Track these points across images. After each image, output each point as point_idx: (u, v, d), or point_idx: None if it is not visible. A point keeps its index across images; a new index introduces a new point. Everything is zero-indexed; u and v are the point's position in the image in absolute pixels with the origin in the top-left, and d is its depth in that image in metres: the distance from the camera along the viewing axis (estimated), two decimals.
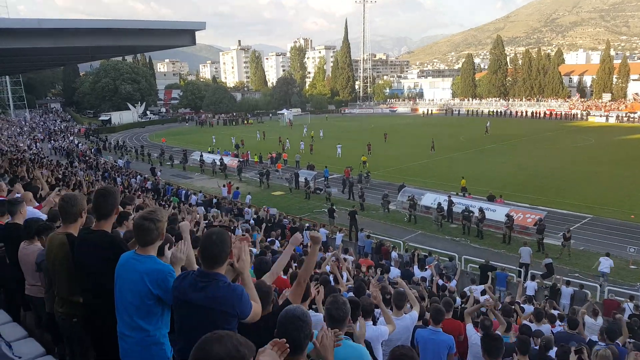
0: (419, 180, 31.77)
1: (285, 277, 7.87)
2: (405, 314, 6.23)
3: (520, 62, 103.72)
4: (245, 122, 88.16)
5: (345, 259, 14.38)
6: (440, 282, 14.34)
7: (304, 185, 31.68)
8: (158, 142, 63.05)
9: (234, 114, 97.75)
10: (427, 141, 48.87)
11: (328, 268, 10.19)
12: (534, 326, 8.32)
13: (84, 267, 3.75)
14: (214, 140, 56.43)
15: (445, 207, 24.98)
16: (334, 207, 25.26)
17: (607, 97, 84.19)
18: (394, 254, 17.82)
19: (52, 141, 57.10)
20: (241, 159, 41.72)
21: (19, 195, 7.02)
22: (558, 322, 9.93)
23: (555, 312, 11.35)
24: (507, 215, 22.38)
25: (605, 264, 17.32)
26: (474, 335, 6.51)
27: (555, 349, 6.47)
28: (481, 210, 23.12)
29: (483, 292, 12.56)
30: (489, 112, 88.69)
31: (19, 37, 13.63)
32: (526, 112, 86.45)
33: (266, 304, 3.71)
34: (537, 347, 6.77)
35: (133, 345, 3.28)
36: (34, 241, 4.85)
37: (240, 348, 1.94)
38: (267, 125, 77.08)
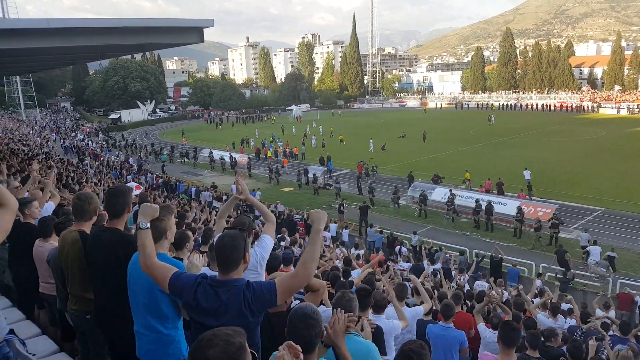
0: (429, 175, 31.57)
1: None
2: (408, 306, 6.25)
3: (530, 54, 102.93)
4: (265, 119, 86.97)
5: (341, 252, 14.46)
6: (453, 273, 14.34)
7: (313, 182, 31.73)
8: (168, 139, 63.43)
9: (243, 110, 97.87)
10: (437, 135, 48.92)
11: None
12: (550, 322, 8.26)
13: (96, 264, 3.80)
14: (257, 134, 56.41)
15: (453, 202, 25.01)
16: (343, 202, 25.29)
17: (616, 89, 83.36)
18: (403, 249, 17.80)
19: (63, 140, 57.56)
20: (250, 156, 41.95)
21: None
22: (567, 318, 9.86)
23: (566, 307, 11.27)
24: (518, 208, 22.26)
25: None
26: (489, 334, 6.49)
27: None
28: (489, 203, 23.06)
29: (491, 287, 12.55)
30: (492, 105, 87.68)
31: (28, 37, 13.72)
32: (537, 104, 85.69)
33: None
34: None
35: (148, 343, 3.31)
36: (48, 239, 4.90)
37: (233, 339, 1.90)
38: (277, 121, 77.06)
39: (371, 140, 45.35)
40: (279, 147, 46.35)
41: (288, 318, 2.69)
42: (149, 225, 3.17)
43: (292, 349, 2.21)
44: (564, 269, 16.52)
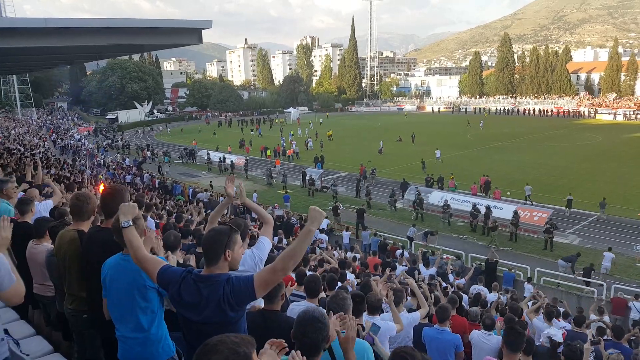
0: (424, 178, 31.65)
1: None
2: (407, 311, 6.24)
3: (527, 59, 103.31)
4: (276, 121, 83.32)
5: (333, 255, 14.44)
6: (451, 277, 14.34)
7: (309, 184, 31.70)
8: (165, 140, 63.37)
9: (241, 112, 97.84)
10: (434, 139, 49.09)
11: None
12: (546, 327, 8.26)
13: (91, 264, 3.79)
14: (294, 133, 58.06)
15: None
16: (338, 204, 25.28)
17: (612, 95, 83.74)
18: (405, 254, 17.71)
19: (59, 140, 57.35)
20: (248, 158, 41.97)
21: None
22: (562, 321, 9.86)
23: (561, 310, 11.28)
24: (514, 212, 22.33)
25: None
26: (476, 334, 6.50)
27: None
28: (488, 207, 23.12)
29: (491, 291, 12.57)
30: (484, 110, 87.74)
31: (26, 37, 13.70)
32: (534, 109, 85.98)
33: (275, 298, 3.71)
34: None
35: (135, 346, 3.31)
36: (43, 240, 4.88)
37: (239, 348, 1.87)
38: (283, 124, 77.28)
39: (381, 142, 45.93)
40: (291, 147, 47.29)
41: (295, 321, 2.70)
42: (131, 223, 3.22)
43: (277, 344, 2.23)
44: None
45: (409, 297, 7.97)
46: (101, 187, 8.12)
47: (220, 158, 41.76)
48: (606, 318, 11.00)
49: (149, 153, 48.85)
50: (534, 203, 26.20)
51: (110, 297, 3.40)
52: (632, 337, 8.62)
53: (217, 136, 60.52)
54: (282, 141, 49.62)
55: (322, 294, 5.20)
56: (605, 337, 8.39)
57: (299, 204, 28.53)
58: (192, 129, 75.67)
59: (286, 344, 2.35)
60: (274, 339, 2.35)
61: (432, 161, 38.49)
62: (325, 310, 2.82)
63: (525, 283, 15.55)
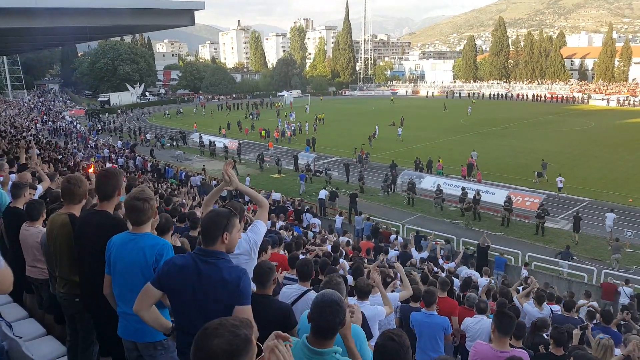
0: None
1: (283, 252, 7.98)
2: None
3: (522, 44, 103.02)
4: (275, 105, 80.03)
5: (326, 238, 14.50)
6: (441, 261, 14.46)
7: (306, 170, 31.52)
8: (157, 123, 62.94)
9: (234, 95, 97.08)
10: (427, 124, 49.01)
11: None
12: (536, 312, 8.37)
13: (84, 246, 3.79)
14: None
15: (444, 190, 25.34)
16: (336, 190, 25.25)
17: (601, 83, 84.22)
18: (400, 239, 17.75)
19: (51, 122, 56.84)
20: (240, 141, 41.83)
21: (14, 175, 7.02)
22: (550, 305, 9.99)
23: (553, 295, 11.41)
24: (507, 198, 22.43)
25: None
26: (469, 319, 6.57)
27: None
28: (478, 192, 23.22)
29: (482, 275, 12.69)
30: (473, 95, 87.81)
31: (15, 17, 13.49)
32: (527, 94, 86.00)
33: (267, 282, 3.72)
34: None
35: (135, 323, 3.32)
36: (35, 223, 4.87)
37: (239, 331, 1.85)
38: (268, 108, 76.69)
39: (377, 127, 45.79)
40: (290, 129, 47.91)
41: (313, 303, 2.70)
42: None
43: (282, 338, 2.22)
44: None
45: (398, 283, 8.03)
46: (91, 170, 8.08)
47: (209, 141, 41.56)
48: (594, 303, 11.14)
49: (147, 136, 48.42)
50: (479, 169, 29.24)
51: (114, 274, 3.41)
52: (622, 322, 8.74)
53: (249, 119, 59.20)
54: (279, 124, 49.75)
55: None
56: (594, 322, 8.50)
57: (292, 189, 28.53)
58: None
59: (290, 338, 2.33)
60: (279, 331, 2.33)
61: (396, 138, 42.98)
62: (341, 295, 2.84)
63: (522, 268, 15.66)
